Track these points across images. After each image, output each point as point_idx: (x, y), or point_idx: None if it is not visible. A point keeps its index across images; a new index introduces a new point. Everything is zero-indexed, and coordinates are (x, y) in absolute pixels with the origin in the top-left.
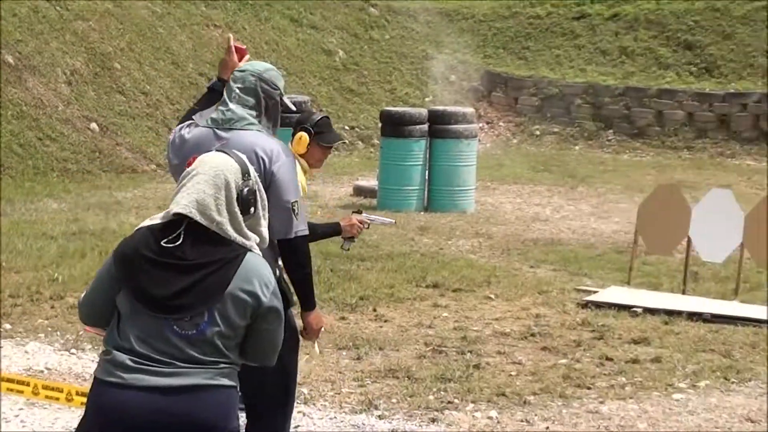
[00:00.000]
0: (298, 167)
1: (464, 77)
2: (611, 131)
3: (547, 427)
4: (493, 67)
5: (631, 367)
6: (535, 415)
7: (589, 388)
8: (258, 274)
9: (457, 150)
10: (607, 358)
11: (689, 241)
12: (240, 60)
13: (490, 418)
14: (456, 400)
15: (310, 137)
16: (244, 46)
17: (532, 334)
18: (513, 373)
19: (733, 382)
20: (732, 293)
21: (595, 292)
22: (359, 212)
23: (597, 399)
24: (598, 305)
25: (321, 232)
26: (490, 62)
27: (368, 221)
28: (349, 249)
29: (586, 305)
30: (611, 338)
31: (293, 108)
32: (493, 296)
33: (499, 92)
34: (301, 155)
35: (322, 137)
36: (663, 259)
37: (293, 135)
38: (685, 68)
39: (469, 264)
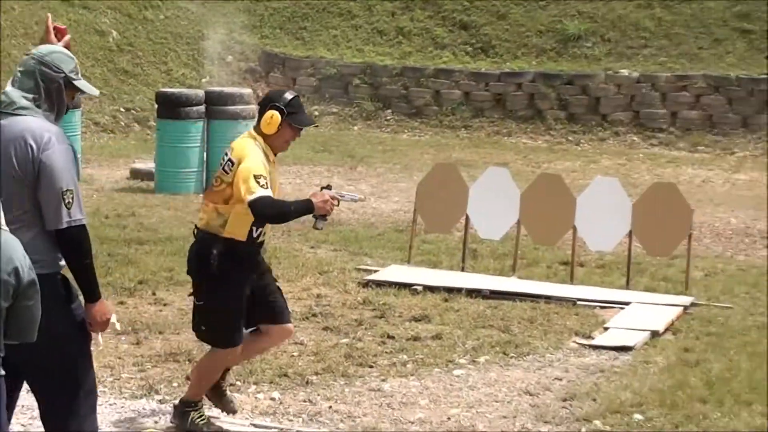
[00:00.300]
0: (261, 152)
1: (241, 58)
2: (389, 111)
3: (330, 406)
4: (271, 48)
5: (412, 345)
6: (318, 394)
7: (371, 367)
8: (15, 252)
9: (235, 131)
10: (389, 336)
11: (467, 219)
12: (60, 40)
13: (272, 399)
14: (238, 383)
15: (282, 117)
16: (64, 26)
17: (314, 315)
18: (295, 354)
19: (512, 357)
20: (510, 270)
21: (375, 271)
22: (329, 188)
23: (379, 377)
24: (379, 284)
25: (294, 209)
26: (267, 42)
27: (339, 197)
28: (322, 228)
29: (367, 284)
30: (392, 316)
31: (92, 91)
32: (274, 277)
33: (277, 73)
34: (269, 135)
35: (294, 118)
36: (442, 237)
37: (261, 114)
38: (461, 48)
39: None
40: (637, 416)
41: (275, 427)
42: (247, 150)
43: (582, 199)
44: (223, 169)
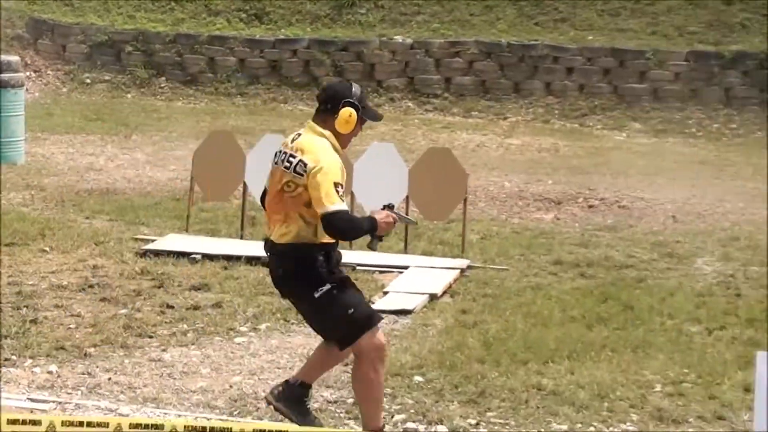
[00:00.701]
0: (336, 153)
1: (7, 24)
2: (164, 78)
3: (110, 378)
4: (38, 14)
5: (192, 314)
6: (97, 366)
7: (150, 337)
8: None
9: (3, 100)
10: (168, 306)
11: (245, 187)
12: None
13: (50, 372)
14: (13, 357)
15: (357, 113)
16: None
17: (91, 286)
18: (72, 326)
19: (292, 323)
20: None
21: (153, 240)
22: (391, 207)
23: (159, 347)
24: (157, 253)
25: (364, 228)
26: (35, 8)
27: (397, 219)
28: (376, 249)
29: (144, 254)
30: (171, 286)
31: None
32: (48, 249)
33: (46, 40)
34: (342, 134)
35: (366, 113)
36: (220, 205)
37: (332, 110)
38: (235, 15)
39: (22, 217)
40: (418, 378)
41: (53, 401)
42: (323, 151)
43: (359, 164)
44: (294, 171)
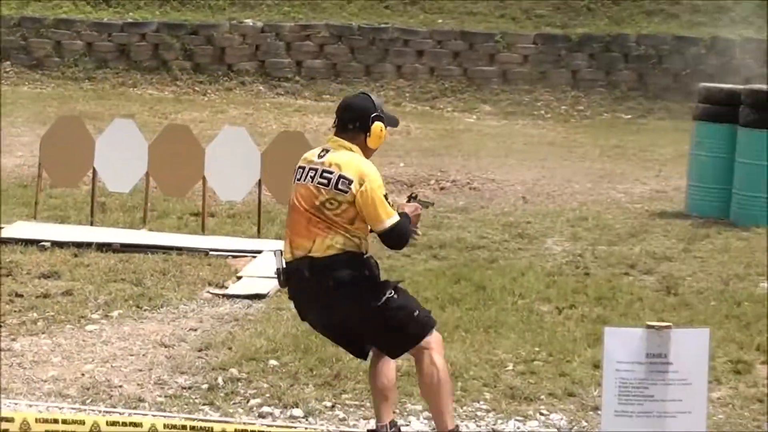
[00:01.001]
0: (374, 165)
1: None
2: (8, 63)
3: None
4: None
5: (42, 302)
6: None
7: None
8: None
9: None
10: (17, 295)
11: (95, 173)
12: None
13: None
14: None
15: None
16: None
17: None
18: None
19: (145, 310)
20: (140, 222)
21: (1, 228)
22: (415, 197)
23: (9, 336)
24: (5, 241)
25: (409, 227)
26: None
27: (421, 208)
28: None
29: None
30: (20, 274)
31: None
32: None
33: None
34: (372, 149)
35: (389, 121)
36: (69, 191)
37: (361, 127)
38: None
39: None
40: (273, 362)
41: None
42: (362, 164)
43: (210, 149)
44: (336, 188)
